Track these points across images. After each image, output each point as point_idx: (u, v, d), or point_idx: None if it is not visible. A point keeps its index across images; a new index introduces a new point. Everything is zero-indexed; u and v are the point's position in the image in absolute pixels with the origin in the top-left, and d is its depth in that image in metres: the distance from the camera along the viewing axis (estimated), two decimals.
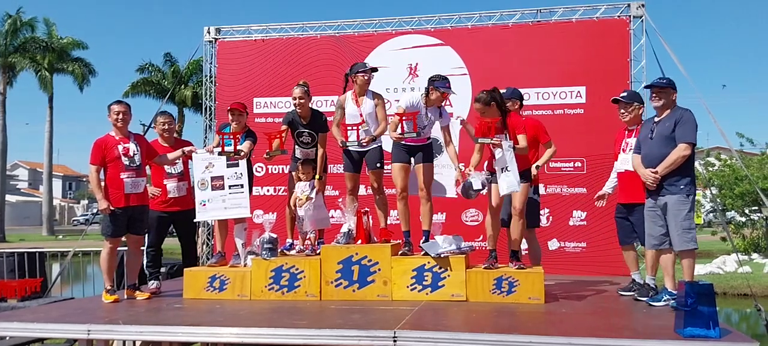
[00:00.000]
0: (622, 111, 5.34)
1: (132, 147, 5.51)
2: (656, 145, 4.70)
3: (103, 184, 5.43)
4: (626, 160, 5.26)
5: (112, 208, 5.38)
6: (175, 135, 6.44)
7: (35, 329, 4.56)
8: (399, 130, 5.42)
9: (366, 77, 5.72)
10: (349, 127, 5.68)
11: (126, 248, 5.84)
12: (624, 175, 5.34)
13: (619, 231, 5.51)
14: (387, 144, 5.89)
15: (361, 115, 5.67)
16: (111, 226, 5.43)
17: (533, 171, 5.88)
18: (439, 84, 5.45)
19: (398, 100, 5.85)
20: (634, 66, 7.70)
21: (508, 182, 4.90)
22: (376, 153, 5.78)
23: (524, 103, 6.27)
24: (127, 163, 5.44)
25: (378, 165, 5.78)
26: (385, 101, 5.96)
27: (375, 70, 5.88)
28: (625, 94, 5.44)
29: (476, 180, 5.02)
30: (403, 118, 5.40)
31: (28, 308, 6.17)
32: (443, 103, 5.64)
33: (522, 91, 6.17)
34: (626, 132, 5.39)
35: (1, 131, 31.15)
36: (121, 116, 5.52)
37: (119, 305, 5.26)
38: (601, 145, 7.40)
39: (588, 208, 7.66)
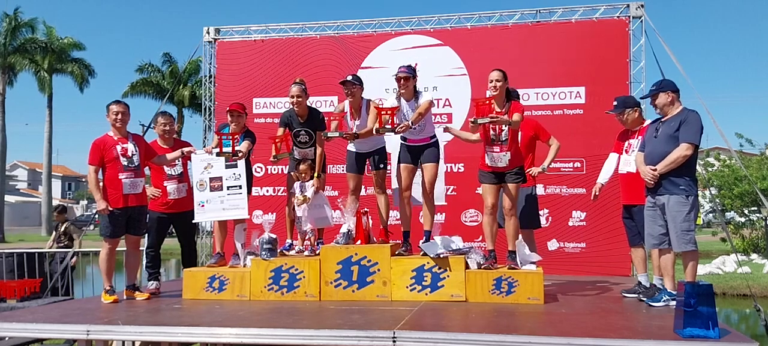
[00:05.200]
0: (619, 118, 5.44)
1: (130, 147, 5.50)
2: (659, 144, 4.70)
3: (101, 184, 5.43)
4: (628, 162, 5.27)
5: (111, 208, 5.38)
6: (174, 136, 6.43)
7: (35, 330, 4.55)
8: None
9: (347, 93, 5.65)
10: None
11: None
12: (626, 176, 5.34)
13: (626, 232, 5.53)
14: (389, 145, 5.89)
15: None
16: (109, 226, 5.42)
17: (537, 171, 5.90)
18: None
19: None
20: (633, 66, 7.70)
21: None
22: (380, 154, 5.78)
23: (524, 103, 6.27)
24: (125, 163, 5.43)
25: (381, 166, 5.78)
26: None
27: (351, 83, 5.69)
28: (615, 104, 5.49)
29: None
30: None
31: (28, 309, 6.15)
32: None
33: (522, 91, 6.17)
34: (629, 133, 5.41)
35: (0, 131, 31.15)
36: (119, 116, 5.51)
37: (118, 306, 5.26)
38: (600, 146, 7.38)
39: (587, 208, 7.66)
